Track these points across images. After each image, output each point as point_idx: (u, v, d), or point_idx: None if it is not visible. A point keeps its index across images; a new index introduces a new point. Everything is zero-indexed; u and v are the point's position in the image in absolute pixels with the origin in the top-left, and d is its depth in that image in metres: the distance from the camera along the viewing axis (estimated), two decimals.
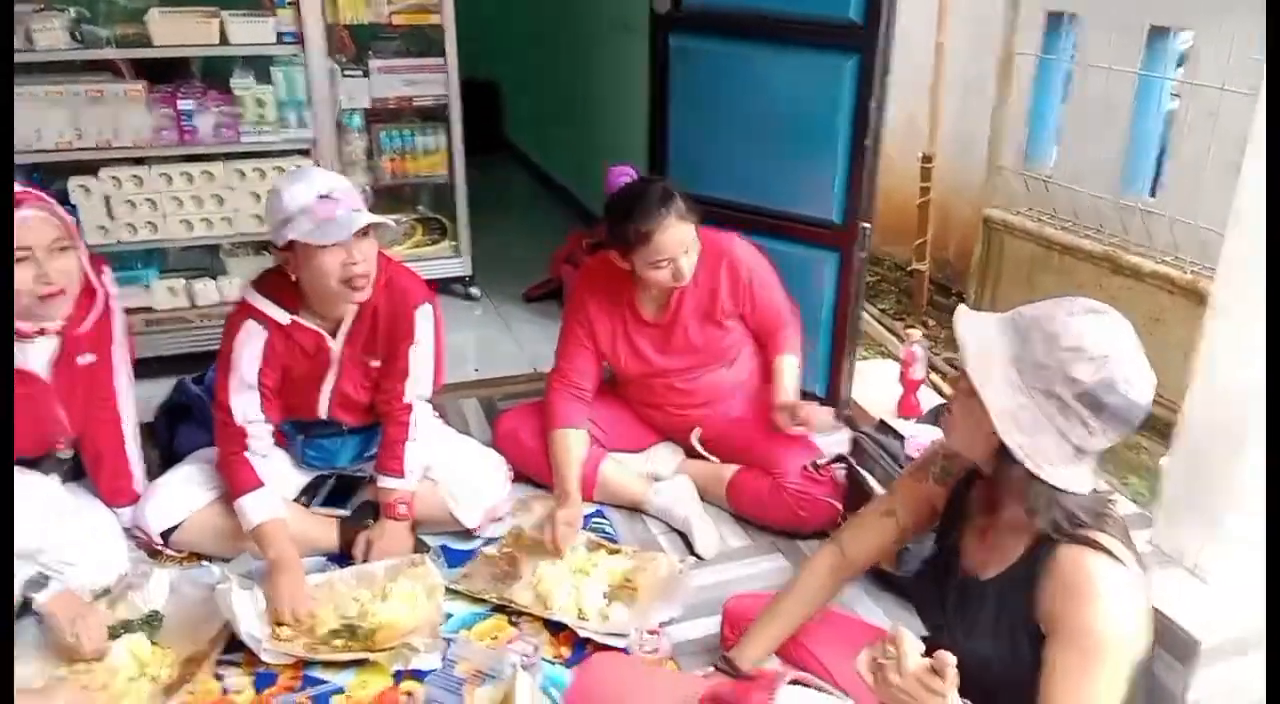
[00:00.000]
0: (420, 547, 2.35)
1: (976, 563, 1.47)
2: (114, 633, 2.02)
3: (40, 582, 2.00)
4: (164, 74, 3.08)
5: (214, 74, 3.17)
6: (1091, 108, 3.65)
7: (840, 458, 2.40)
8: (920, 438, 2.32)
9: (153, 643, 2.03)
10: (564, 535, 2.30)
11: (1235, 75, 3.05)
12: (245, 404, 2.23)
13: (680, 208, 2.31)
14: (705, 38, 2.87)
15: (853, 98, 2.65)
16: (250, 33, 3.01)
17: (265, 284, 2.23)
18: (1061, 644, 1.29)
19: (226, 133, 3.08)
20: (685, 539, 2.47)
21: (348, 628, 2.09)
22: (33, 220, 1.96)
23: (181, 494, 2.30)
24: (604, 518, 2.58)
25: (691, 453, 2.70)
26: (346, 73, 3.36)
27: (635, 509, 2.61)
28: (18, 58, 2.74)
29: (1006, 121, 3.90)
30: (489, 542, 2.43)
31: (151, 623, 2.08)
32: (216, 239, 3.21)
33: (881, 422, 2.50)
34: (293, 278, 2.14)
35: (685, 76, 2.93)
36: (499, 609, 2.20)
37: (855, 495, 2.36)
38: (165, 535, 2.27)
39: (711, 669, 1.79)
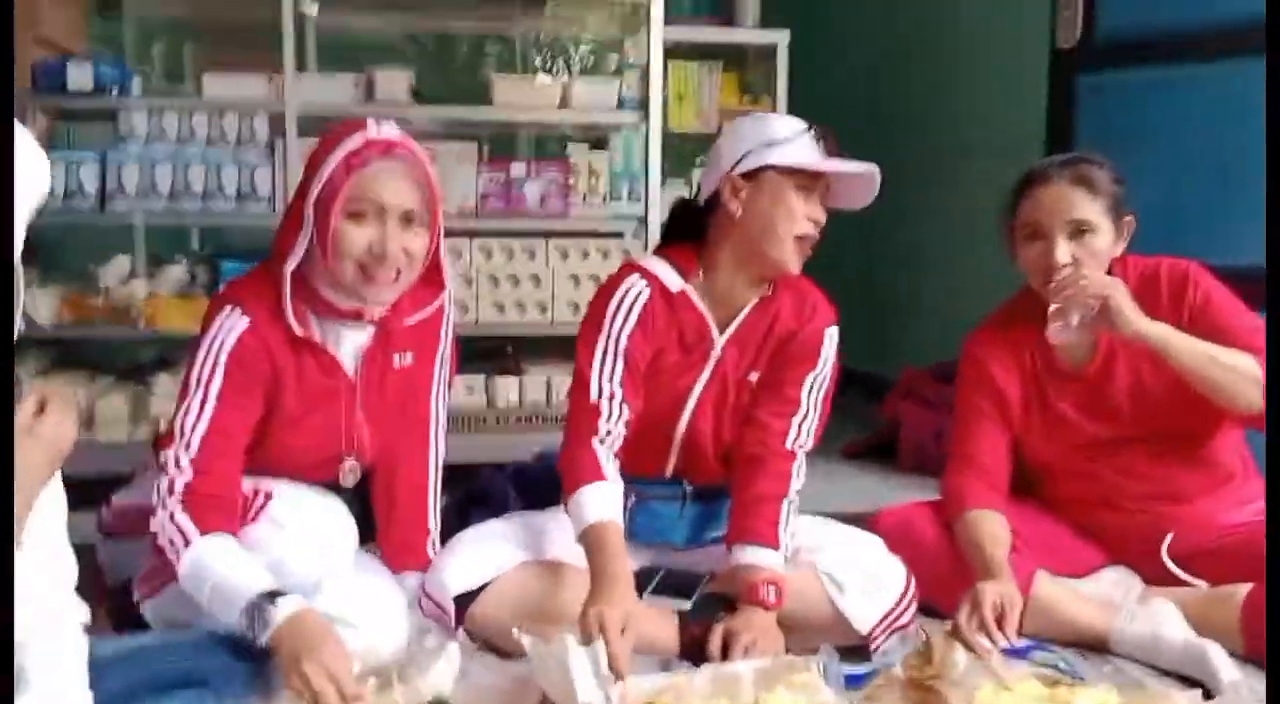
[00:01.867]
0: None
1: None
2: None
3: (265, 604, 1.42)
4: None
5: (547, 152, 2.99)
6: None
7: None
8: None
9: None
10: (1004, 619, 1.58)
11: None
12: (608, 374, 1.72)
13: (1089, 175, 1.81)
14: (1128, 68, 2.37)
15: None
16: (592, 94, 2.82)
17: (658, 251, 1.85)
18: None
19: (554, 204, 2.82)
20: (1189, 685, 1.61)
21: None
22: (396, 173, 1.57)
23: (489, 551, 1.74)
24: (1051, 651, 1.77)
25: (1156, 578, 1.89)
26: (668, 183, 3.09)
27: (1090, 647, 1.79)
28: (360, 109, 2.64)
29: None
30: (886, 666, 1.68)
31: None
32: (528, 329, 2.87)
33: None
34: (709, 221, 1.76)
35: (1097, 122, 2.42)
36: None
37: None
38: (460, 607, 1.69)
39: None
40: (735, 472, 1.81)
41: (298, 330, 1.61)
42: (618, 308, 1.75)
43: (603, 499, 1.65)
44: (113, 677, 1.21)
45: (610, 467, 1.69)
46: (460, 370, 2.14)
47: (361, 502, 1.80)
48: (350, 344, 1.69)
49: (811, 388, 1.79)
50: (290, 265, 1.58)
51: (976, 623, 1.56)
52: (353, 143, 1.56)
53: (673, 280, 1.78)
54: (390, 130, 1.61)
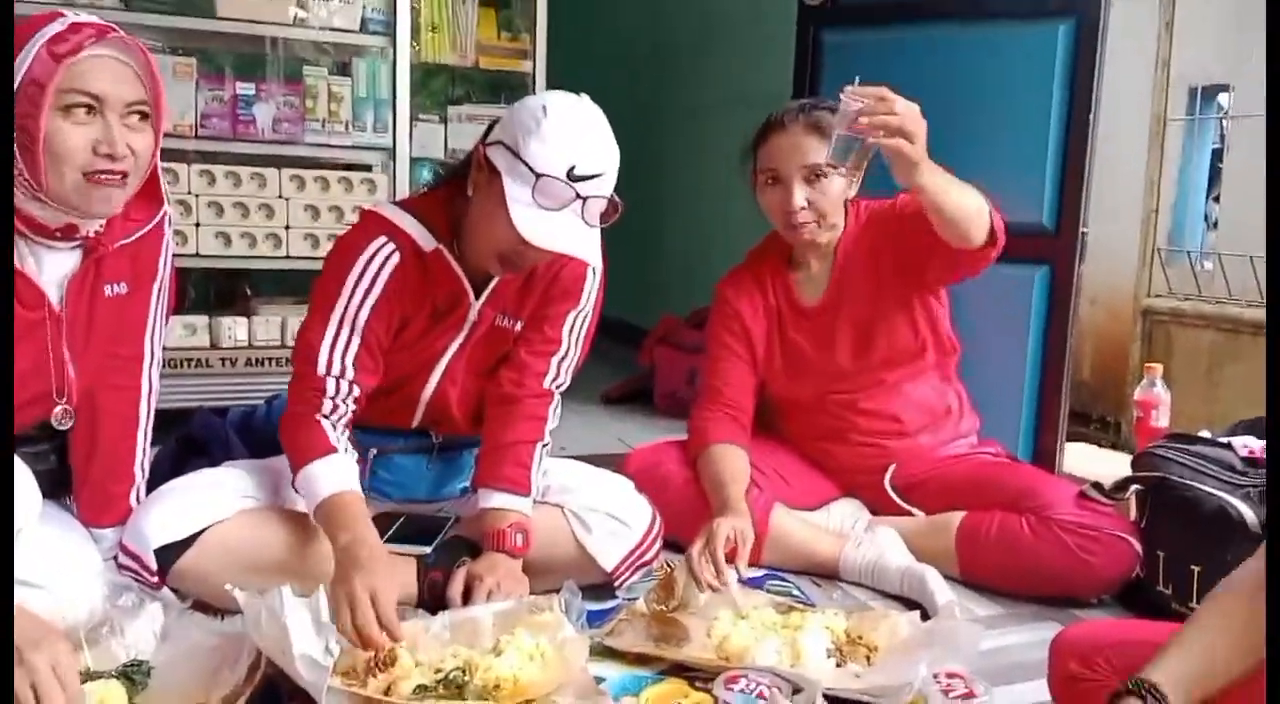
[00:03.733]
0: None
1: None
2: None
3: None
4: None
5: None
6: (1253, 175, 3.21)
7: (1138, 478, 1.71)
8: (1252, 443, 1.65)
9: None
10: (737, 552, 1.58)
11: None
12: (340, 350, 1.55)
13: (821, 122, 1.80)
14: (868, 28, 2.45)
15: (1068, 69, 2.20)
16: (331, 12, 2.59)
17: (409, 203, 1.66)
18: None
19: (289, 128, 2.58)
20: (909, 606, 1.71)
21: (447, 684, 1.31)
22: (110, 63, 1.33)
23: (198, 500, 1.56)
24: (785, 581, 1.83)
25: (881, 507, 2.00)
26: (420, 118, 2.92)
27: (821, 574, 1.87)
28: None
29: (1158, 197, 3.44)
30: (631, 598, 1.67)
31: (133, 676, 1.30)
32: (260, 260, 2.62)
33: (1176, 434, 1.82)
34: (465, 196, 1.55)
35: (841, 80, 2.48)
36: (674, 672, 1.43)
37: (1160, 528, 1.65)
38: (163, 563, 1.50)
39: None
40: (489, 410, 1.72)
41: None
42: (360, 275, 1.56)
43: (335, 471, 1.51)
44: None
45: (339, 437, 1.55)
46: (179, 307, 1.90)
47: (58, 449, 1.57)
48: (55, 269, 1.43)
49: (573, 327, 1.71)
50: None
51: (708, 557, 1.56)
52: (55, 27, 1.31)
53: (426, 239, 1.59)
54: (95, 18, 1.37)
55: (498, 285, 1.64)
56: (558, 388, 1.73)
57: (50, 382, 1.47)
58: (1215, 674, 1.05)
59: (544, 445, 1.69)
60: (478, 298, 1.63)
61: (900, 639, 1.50)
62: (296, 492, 1.55)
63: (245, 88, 2.52)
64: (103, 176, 1.34)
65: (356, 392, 1.58)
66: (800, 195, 1.85)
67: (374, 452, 1.73)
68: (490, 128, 1.56)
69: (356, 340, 1.57)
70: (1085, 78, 2.21)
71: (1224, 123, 3.49)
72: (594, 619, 1.57)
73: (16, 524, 1.39)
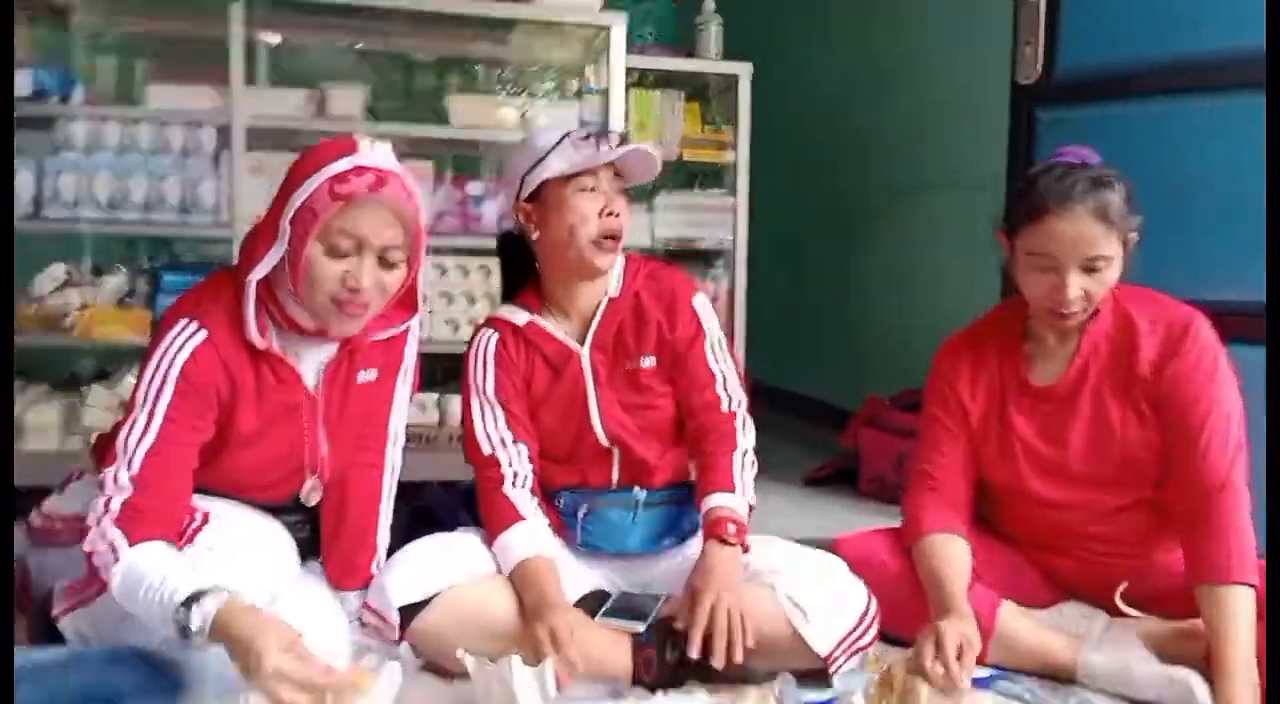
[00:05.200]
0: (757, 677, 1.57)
1: None
2: None
3: (194, 602, 1.31)
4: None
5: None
6: None
7: None
8: None
9: None
10: (963, 658, 1.49)
11: None
12: (491, 424, 1.76)
13: (1106, 206, 1.65)
14: (1086, 104, 2.37)
15: None
16: (551, 117, 2.78)
17: (506, 295, 1.90)
18: None
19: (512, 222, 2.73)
20: None
21: None
22: (380, 211, 1.47)
23: (440, 562, 1.67)
24: (1015, 681, 1.72)
25: (1118, 613, 1.84)
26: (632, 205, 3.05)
27: (1053, 678, 1.73)
28: (311, 125, 2.56)
29: None
30: (846, 693, 1.61)
31: None
32: None
33: None
34: (533, 250, 1.79)
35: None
36: None
37: None
38: (404, 621, 1.61)
39: None
40: (690, 449, 1.82)
41: (259, 342, 1.51)
42: (475, 360, 1.79)
43: (526, 537, 1.68)
44: (23, 690, 1.11)
45: (528, 506, 1.72)
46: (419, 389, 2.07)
47: (311, 520, 1.72)
48: (312, 358, 1.62)
49: (713, 353, 1.81)
50: (256, 276, 1.48)
51: (941, 664, 1.48)
52: (339, 166, 1.45)
53: (518, 317, 1.80)
54: (383, 155, 1.49)
55: (599, 330, 1.78)
56: (738, 406, 1.81)
57: (304, 458, 1.62)
58: None
59: (743, 453, 1.76)
60: (582, 345, 1.78)
61: None
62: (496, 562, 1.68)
63: (475, 187, 2.72)
64: (347, 306, 1.49)
65: (525, 451, 1.76)
66: (1076, 286, 1.68)
67: (585, 508, 1.81)
68: (515, 200, 1.77)
69: (499, 411, 1.76)
70: None
71: None
72: None
73: (276, 584, 1.53)
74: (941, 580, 1.68)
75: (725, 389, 1.81)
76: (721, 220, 3.23)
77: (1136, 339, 1.75)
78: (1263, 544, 1.61)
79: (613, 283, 1.80)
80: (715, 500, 1.70)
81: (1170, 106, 2.26)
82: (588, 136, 1.72)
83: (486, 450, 1.75)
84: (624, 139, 1.74)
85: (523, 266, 1.85)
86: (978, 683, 1.66)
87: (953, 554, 1.74)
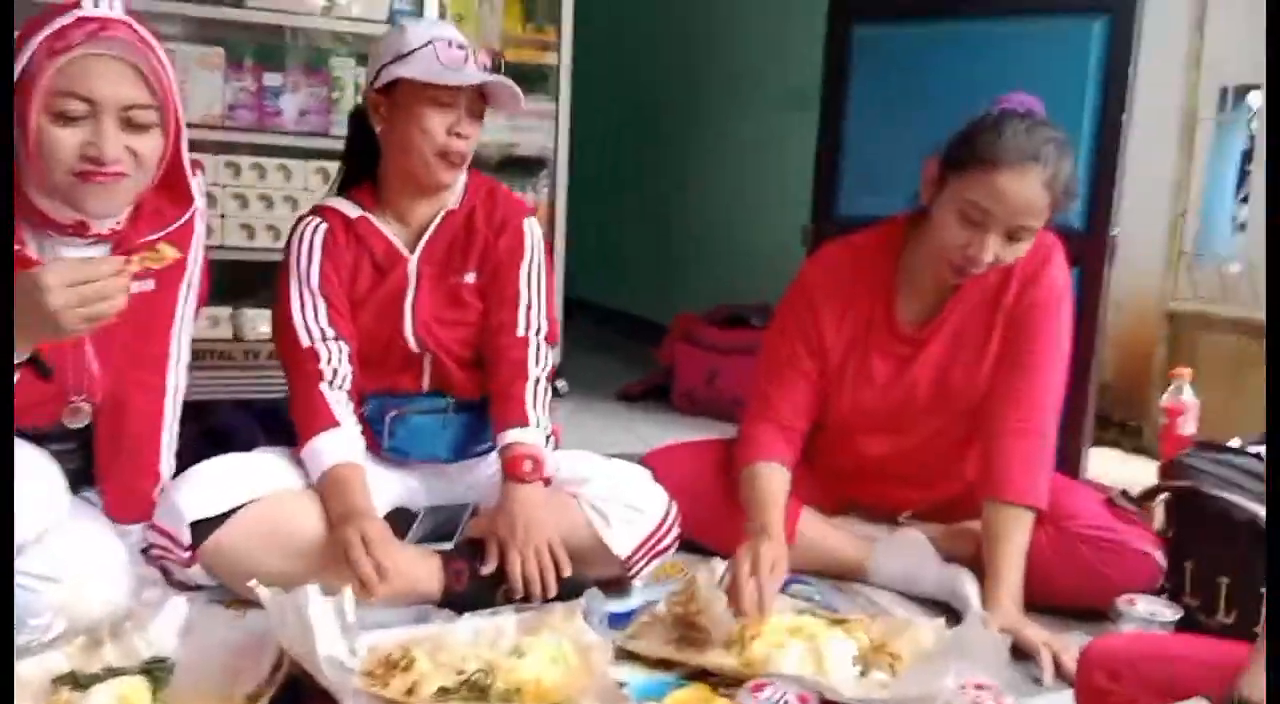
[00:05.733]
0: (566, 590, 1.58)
1: None
2: (85, 682, 1.25)
3: None
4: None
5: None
6: None
7: (1168, 487, 1.68)
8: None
9: (154, 700, 1.26)
10: (770, 578, 1.53)
11: None
12: (311, 315, 1.70)
13: (1060, 175, 1.58)
14: (901, 22, 2.43)
15: (1101, 69, 2.16)
16: (364, 7, 2.59)
17: (340, 187, 1.82)
18: None
19: (315, 119, 2.57)
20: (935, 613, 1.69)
21: (470, 686, 1.30)
22: (109, 63, 1.32)
23: (233, 477, 1.60)
24: (807, 584, 1.82)
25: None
26: None
27: (846, 577, 1.85)
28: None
29: (1188, 202, 3.39)
30: (652, 602, 1.66)
31: (155, 673, 1.31)
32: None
33: (1205, 442, 1.80)
34: (376, 138, 1.72)
35: (872, 74, 2.47)
36: (696, 677, 1.42)
37: (1189, 539, 1.63)
38: (196, 541, 1.53)
39: None
40: (487, 374, 1.80)
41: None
42: (300, 247, 1.72)
43: (338, 444, 1.63)
44: None
45: (343, 410, 1.68)
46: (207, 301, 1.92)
47: (83, 446, 1.57)
48: None
49: (529, 277, 1.79)
50: None
51: (756, 585, 1.51)
52: (61, 21, 1.30)
53: (351, 210, 1.74)
54: (113, 7, 1.34)
55: (431, 241, 1.75)
56: (535, 334, 1.78)
57: (68, 378, 1.47)
58: None
59: (536, 382, 1.74)
60: (411, 253, 1.74)
61: (926, 648, 1.49)
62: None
63: (272, 78, 2.51)
64: (93, 175, 1.34)
65: (346, 350, 1.70)
66: (993, 250, 1.60)
67: (393, 413, 1.78)
68: (369, 85, 1.70)
69: (322, 303, 1.70)
70: (1119, 75, 2.18)
71: (1253, 123, 3.44)
72: (615, 622, 1.57)
73: (45, 521, 1.40)
74: (764, 506, 1.71)
75: (528, 314, 1.78)
76: (544, 127, 3.13)
77: (1009, 279, 1.74)
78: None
79: (452, 197, 1.78)
80: (511, 436, 1.68)
81: (977, 26, 2.36)
82: (459, 50, 1.64)
83: (305, 343, 1.68)
84: (497, 67, 1.68)
85: (367, 158, 1.77)
86: None
87: (777, 485, 1.76)
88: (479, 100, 1.68)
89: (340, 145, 1.79)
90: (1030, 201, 1.57)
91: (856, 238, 1.85)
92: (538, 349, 1.78)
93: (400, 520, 1.71)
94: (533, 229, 1.82)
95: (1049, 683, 1.47)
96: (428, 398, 1.80)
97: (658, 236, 4.50)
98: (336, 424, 1.64)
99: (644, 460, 1.99)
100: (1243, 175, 3.48)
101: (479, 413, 1.82)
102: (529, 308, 1.79)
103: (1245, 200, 3.44)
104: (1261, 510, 1.52)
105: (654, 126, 4.48)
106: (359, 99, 2.26)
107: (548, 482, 1.68)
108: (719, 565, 1.63)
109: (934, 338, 1.80)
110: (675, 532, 1.75)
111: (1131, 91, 2.22)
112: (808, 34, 2.78)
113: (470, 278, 1.78)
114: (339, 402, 1.68)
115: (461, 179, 1.78)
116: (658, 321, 3.85)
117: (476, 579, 1.60)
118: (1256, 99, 3.33)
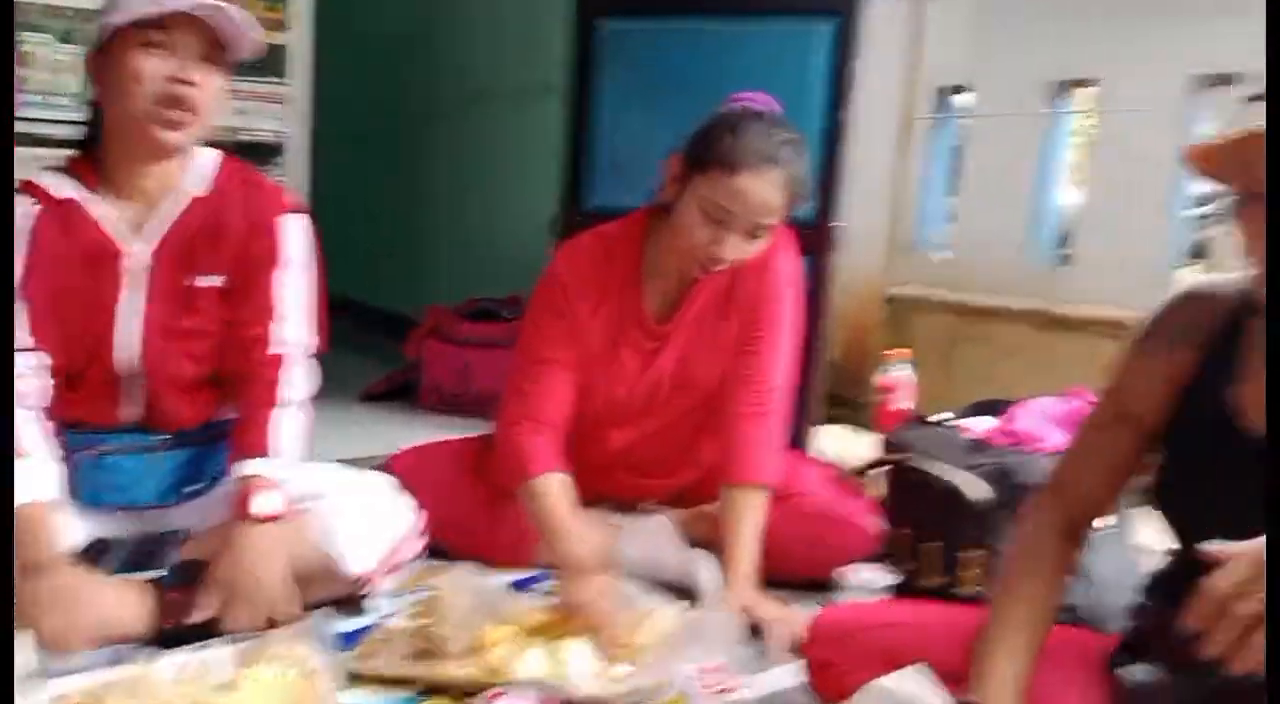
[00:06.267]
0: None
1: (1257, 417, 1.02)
2: None
3: None
4: None
5: None
6: (988, 171, 3.50)
7: (882, 460, 1.79)
8: (976, 427, 1.78)
9: None
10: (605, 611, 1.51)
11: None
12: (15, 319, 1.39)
13: (797, 176, 1.62)
14: (645, 18, 2.45)
15: (829, 68, 2.28)
16: None
17: (67, 161, 1.51)
18: None
19: None
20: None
21: None
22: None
23: None
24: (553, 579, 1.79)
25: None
26: None
27: None
28: None
29: (904, 195, 3.67)
30: (387, 616, 1.57)
31: None
32: None
33: (916, 417, 1.93)
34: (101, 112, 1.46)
35: (620, 68, 2.48)
36: (435, 692, 1.37)
37: (903, 507, 1.75)
38: None
39: None
40: (226, 393, 1.59)
41: None
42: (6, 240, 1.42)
43: (25, 479, 1.35)
44: None
45: (35, 429, 1.41)
46: None
47: None
48: None
49: (285, 285, 1.57)
50: None
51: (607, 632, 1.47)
52: None
53: (62, 188, 1.46)
54: None
55: (171, 232, 1.50)
56: (293, 349, 1.57)
57: None
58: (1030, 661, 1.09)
59: (283, 407, 1.54)
60: (136, 243, 1.48)
61: (666, 634, 1.50)
62: None
63: None
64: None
65: (47, 361, 1.45)
66: (733, 249, 1.63)
67: (85, 452, 1.51)
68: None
69: (20, 307, 1.41)
70: (844, 76, 2.30)
71: (961, 122, 3.77)
72: (347, 641, 1.47)
73: None
74: (558, 522, 1.64)
75: (282, 329, 1.57)
76: (274, 111, 2.93)
77: (741, 269, 1.74)
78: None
79: (196, 178, 1.53)
80: (247, 468, 1.49)
81: (715, 25, 2.42)
82: None
83: None
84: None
85: (96, 131, 1.50)
86: (518, 585, 1.73)
87: (561, 492, 1.69)
88: (213, 47, 1.42)
89: (30, 129, 1.57)
90: (769, 202, 1.60)
91: (606, 229, 1.83)
92: (293, 369, 1.57)
93: (100, 551, 1.52)
94: (295, 230, 1.59)
95: (777, 658, 1.51)
96: (131, 434, 1.56)
97: (406, 226, 4.35)
98: (22, 454, 1.37)
99: (389, 463, 1.92)
100: (952, 171, 3.81)
101: (207, 444, 1.60)
102: (285, 322, 1.57)
103: (955, 194, 3.76)
104: (956, 477, 1.65)
105: (399, 116, 4.32)
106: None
107: (279, 518, 1.49)
108: (462, 575, 1.56)
109: (677, 331, 1.81)
110: (418, 542, 1.67)
111: (854, 91, 2.35)
112: (554, 27, 2.76)
113: (214, 281, 1.54)
114: (30, 423, 1.42)
115: (211, 159, 1.55)
116: (405, 315, 3.71)
117: (196, 606, 1.42)
118: (961, 100, 3.64)
